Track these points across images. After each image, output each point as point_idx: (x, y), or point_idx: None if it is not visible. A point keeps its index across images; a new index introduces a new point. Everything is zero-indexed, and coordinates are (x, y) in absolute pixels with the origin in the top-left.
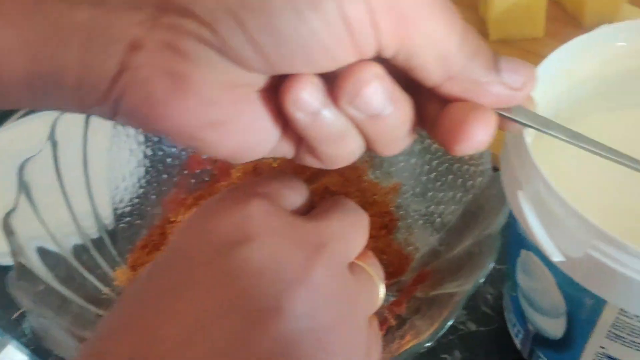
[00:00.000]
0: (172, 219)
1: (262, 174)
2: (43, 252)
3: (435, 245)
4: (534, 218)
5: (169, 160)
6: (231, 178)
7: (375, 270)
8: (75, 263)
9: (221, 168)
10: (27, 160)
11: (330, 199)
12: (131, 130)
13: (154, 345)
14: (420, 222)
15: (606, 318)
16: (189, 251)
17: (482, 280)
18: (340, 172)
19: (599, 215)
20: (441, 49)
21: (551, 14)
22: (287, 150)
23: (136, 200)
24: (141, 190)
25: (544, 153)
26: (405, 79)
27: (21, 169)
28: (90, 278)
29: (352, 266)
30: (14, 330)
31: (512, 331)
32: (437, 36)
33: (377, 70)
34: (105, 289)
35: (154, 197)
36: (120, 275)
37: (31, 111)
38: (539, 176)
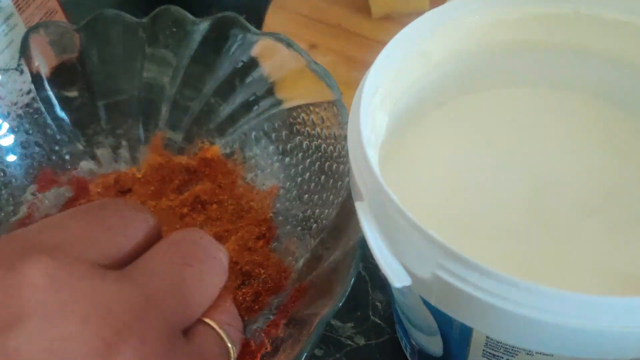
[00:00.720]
0: None
1: (125, 187)
2: None
3: (314, 252)
4: (375, 235)
5: (13, 181)
6: (90, 195)
7: (226, 329)
8: None
9: (78, 184)
10: None
11: (171, 236)
12: None
13: None
14: (299, 228)
15: (477, 338)
16: None
17: (342, 299)
18: (213, 178)
19: (450, 229)
20: None
21: None
22: None
23: None
24: None
25: (388, 158)
26: None
27: None
28: None
29: (195, 327)
30: None
31: (402, 343)
32: None
33: None
34: None
35: (1, 227)
36: None
37: None
38: (377, 185)
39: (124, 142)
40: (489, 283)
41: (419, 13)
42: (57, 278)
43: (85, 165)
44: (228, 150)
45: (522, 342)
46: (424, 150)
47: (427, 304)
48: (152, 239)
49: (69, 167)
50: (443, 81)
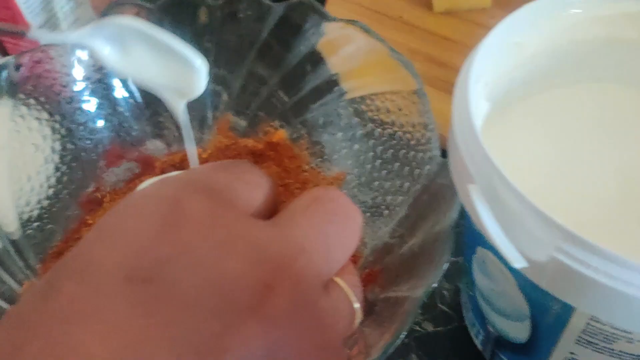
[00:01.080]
0: (89, 221)
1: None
2: None
3: (386, 239)
4: (490, 217)
5: (83, 154)
6: (156, 171)
7: (353, 290)
8: None
9: (145, 161)
10: None
11: (307, 193)
12: (34, 123)
13: None
14: (368, 214)
15: (576, 324)
16: (97, 264)
17: (434, 285)
18: (278, 162)
19: (563, 212)
20: None
21: None
22: None
23: (46, 202)
24: (51, 191)
25: (495, 139)
26: None
27: None
28: None
29: (328, 284)
30: None
31: (472, 331)
32: None
33: None
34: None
35: (67, 197)
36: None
37: None
38: (492, 168)
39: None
40: (612, 267)
41: (479, 9)
42: (216, 217)
43: (152, 143)
44: (295, 135)
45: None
46: (511, 141)
47: (523, 288)
48: (274, 201)
49: (137, 144)
50: (533, 74)
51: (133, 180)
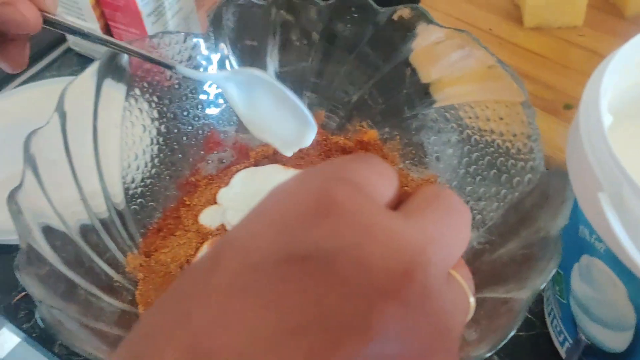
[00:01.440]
0: (187, 202)
1: (283, 157)
2: (49, 231)
3: (474, 244)
4: (620, 226)
5: (184, 139)
6: (250, 160)
7: (467, 283)
8: (82, 244)
9: (240, 150)
10: (34, 132)
11: (426, 189)
12: (145, 105)
13: (208, 356)
14: None
15: None
16: (256, 245)
17: (542, 286)
18: None
19: None
20: None
21: (591, 2)
22: None
23: (149, 181)
24: (154, 170)
25: (620, 147)
26: None
27: (27, 141)
28: (99, 262)
29: (447, 276)
30: (13, 314)
31: (557, 339)
32: None
33: None
34: (116, 276)
35: (167, 178)
36: (131, 260)
37: (36, 78)
38: (624, 176)
39: None
40: None
41: (570, 27)
42: (360, 206)
43: (248, 133)
44: (386, 136)
45: None
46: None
47: (635, 298)
48: (399, 193)
49: (234, 133)
50: None
51: (228, 167)
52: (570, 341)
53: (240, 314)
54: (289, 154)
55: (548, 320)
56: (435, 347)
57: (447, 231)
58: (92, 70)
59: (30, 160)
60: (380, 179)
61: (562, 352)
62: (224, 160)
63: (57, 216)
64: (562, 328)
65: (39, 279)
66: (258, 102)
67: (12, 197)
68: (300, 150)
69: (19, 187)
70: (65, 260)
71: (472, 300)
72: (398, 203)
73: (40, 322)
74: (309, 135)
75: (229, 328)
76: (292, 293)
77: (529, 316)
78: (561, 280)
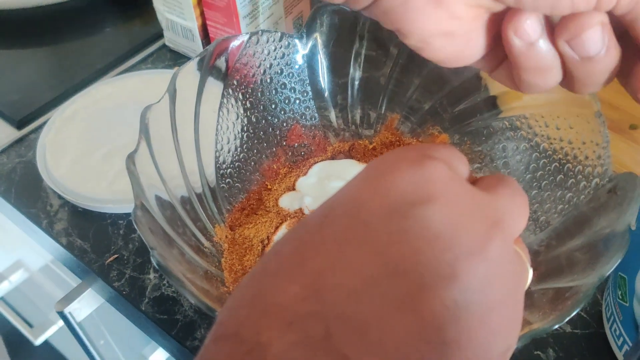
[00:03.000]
0: (268, 186)
1: (358, 154)
2: (157, 198)
3: (533, 244)
4: None
5: (270, 129)
6: (327, 154)
7: (525, 255)
8: (180, 210)
9: (319, 144)
10: (148, 107)
11: (492, 176)
12: (239, 95)
13: (326, 292)
14: None
15: None
16: (364, 203)
17: (609, 273)
18: None
19: None
20: None
21: None
22: (485, 65)
23: (237, 164)
24: (242, 155)
25: None
26: (620, 31)
27: (143, 113)
28: (192, 227)
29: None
30: (106, 273)
31: (615, 342)
32: None
33: (604, 18)
34: (206, 243)
35: (252, 163)
36: (218, 232)
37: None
38: None
39: (371, 114)
40: None
41: None
42: (452, 178)
43: (327, 129)
44: (456, 141)
45: None
46: None
47: None
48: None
49: (314, 128)
50: None
51: (307, 158)
52: (630, 344)
53: (352, 259)
54: None
55: (607, 324)
56: (505, 302)
57: (516, 208)
58: (197, 60)
59: (145, 130)
60: (459, 162)
61: (620, 355)
62: (304, 152)
63: (163, 184)
64: (622, 331)
65: (150, 231)
66: None
67: (130, 158)
68: (374, 149)
69: (135, 151)
70: (167, 219)
71: (530, 270)
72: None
73: (155, 264)
74: None
75: (342, 270)
76: (395, 244)
77: (585, 316)
78: (624, 284)
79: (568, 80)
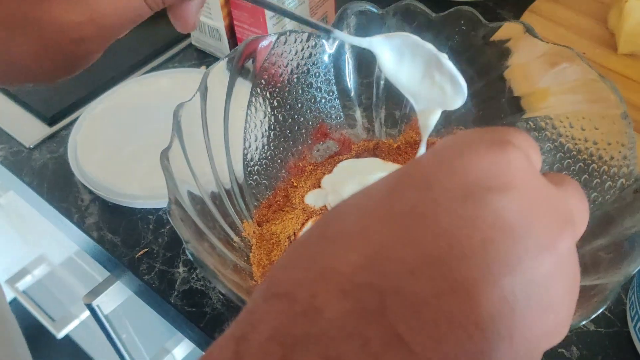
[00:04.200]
0: (294, 184)
1: (382, 152)
2: (189, 194)
3: None
4: None
5: (297, 128)
6: (352, 153)
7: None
8: (211, 205)
9: (344, 142)
10: (180, 104)
11: (558, 174)
12: (267, 94)
13: (386, 265)
14: None
15: None
16: (437, 182)
17: (634, 271)
18: None
19: None
20: None
21: None
22: None
23: (264, 161)
24: (269, 153)
25: None
26: None
27: (176, 111)
28: (222, 222)
29: None
30: (136, 266)
31: (639, 339)
32: None
33: None
34: (235, 237)
35: (279, 161)
36: (247, 227)
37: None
38: None
39: (395, 113)
40: None
41: None
42: (529, 168)
43: (352, 128)
44: None
45: None
46: None
47: None
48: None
49: (339, 127)
50: None
51: (332, 157)
52: None
53: (418, 237)
54: (436, 115)
55: (631, 323)
56: (565, 300)
57: (582, 208)
58: (227, 60)
59: (177, 127)
60: (535, 152)
61: None
62: (329, 150)
63: (194, 179)
64: None
65: (184, 224)
66: (408, 64)
67: (164, 154)
68: (399, 148)
69: (168, 147)
70: (198, 214)
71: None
72: None
73: (190, 257)
74: (458, 99)
75: (406, 245)
76: (465, 228)
77: (609, 315)
78: None
79: None
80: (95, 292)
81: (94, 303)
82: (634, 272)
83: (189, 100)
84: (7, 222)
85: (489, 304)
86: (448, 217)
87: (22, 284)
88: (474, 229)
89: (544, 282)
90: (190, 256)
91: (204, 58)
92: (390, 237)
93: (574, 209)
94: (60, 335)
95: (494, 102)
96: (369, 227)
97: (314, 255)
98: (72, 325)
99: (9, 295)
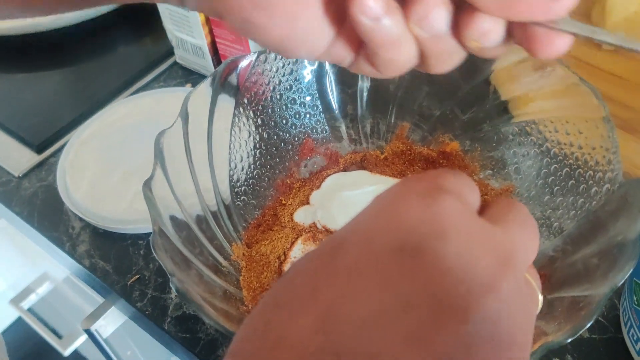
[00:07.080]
0: (283, 202)
1: (370, 164)
2: (173, 220)
3: (548, 250)
4: None
5: (282, 145)
6: (339, 166)
7: (536, 282)
8: (197, 230)
9: (331, 156)
10: (162, 132)
11: (501, 201)
12: (250, 113)
13: (337, 325)
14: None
15: None
16: (375, 236)
17: (620, 283)
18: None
19: None
20: None
21: None
22: (343, 55)
23: (251, 181)
24: (255, 172)
25: None
26: None
27: (157, 139)
28: (209, 247)
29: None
30: (128, 293)
31: (634, 347)
32: None
33: None
34: (223, 262)
35: (266, 179)
36: (235, 250)
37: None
38: None
39: (381, 123)
40: None
41: None
42: (463, 212)
43: (339, 141)
44: (467, 148)
45: None
46: None
47: None
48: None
49: (326, 141)
50: None
51: (320, 172)
52: None
53: (363, 291)
54: None
55: (624, 329)
56: (517, 335)
57: (527, 239)
58: (208, 82)
59: (159, 155)
60: (470, 192)
61: None
62: (316, 166)
63: (178, 205)
64: None
65: (168, 255)
66: None
67: (146, 185)
68: (386, 159)
69: (151, 177)
70: (184, 241)
71: (540, 297)
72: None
73: (175, 290)
74: None
75: (353, 302)
76: (405, 277)
77: (603, 321)
78: None
79: (424, 59)
80: (94, 316)
81: (93, 328)
82: (619, 284)
83: (170, 127)
84: (9, 242)
85: (444, 350)
86: (389, 269)
87: (27, 303)
88: (414, 278)
89: (493, 320)
90: (175, 290)
91: (189, 75)
92: (338, 293)
93: (516, 242)
94: (67, 352)
95: (479, 107)
96: (317, 288)
97: (269, 324)
98: (79, 342)
99: (14, 314)
